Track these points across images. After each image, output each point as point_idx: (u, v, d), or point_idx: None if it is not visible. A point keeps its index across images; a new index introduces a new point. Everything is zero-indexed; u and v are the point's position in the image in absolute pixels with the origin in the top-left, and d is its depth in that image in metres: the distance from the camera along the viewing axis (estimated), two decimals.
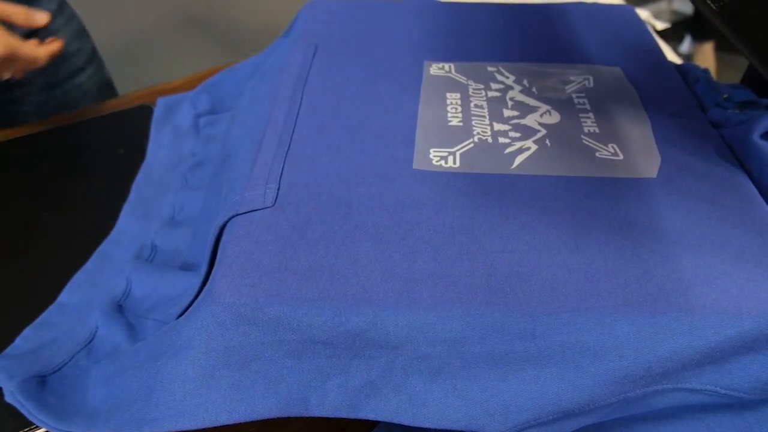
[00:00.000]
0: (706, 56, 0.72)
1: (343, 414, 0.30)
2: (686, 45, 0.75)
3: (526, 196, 0.36)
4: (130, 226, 0.46)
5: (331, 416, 0.29)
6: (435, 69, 0.47)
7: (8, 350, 0.38)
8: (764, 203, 0.36)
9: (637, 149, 0.40)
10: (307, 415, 0.29)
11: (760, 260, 0.32)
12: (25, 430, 0.36)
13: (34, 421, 0.33)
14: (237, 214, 0.35)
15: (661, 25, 0.73)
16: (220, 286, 0.30)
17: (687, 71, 0.48)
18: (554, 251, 0.32)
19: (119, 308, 0.39)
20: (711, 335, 0.29)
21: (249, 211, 0.35)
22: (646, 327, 0.29)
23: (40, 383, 0.35)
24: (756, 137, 0.38)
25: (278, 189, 0.36)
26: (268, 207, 0.35)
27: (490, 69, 0.47)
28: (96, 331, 0.38)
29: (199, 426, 0.29)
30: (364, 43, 0.49)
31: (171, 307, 0.37)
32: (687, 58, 0.72)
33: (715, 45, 0.91)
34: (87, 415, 0.32)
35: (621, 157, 0.39)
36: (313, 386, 0.30)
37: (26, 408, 0.33)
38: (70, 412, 0.33)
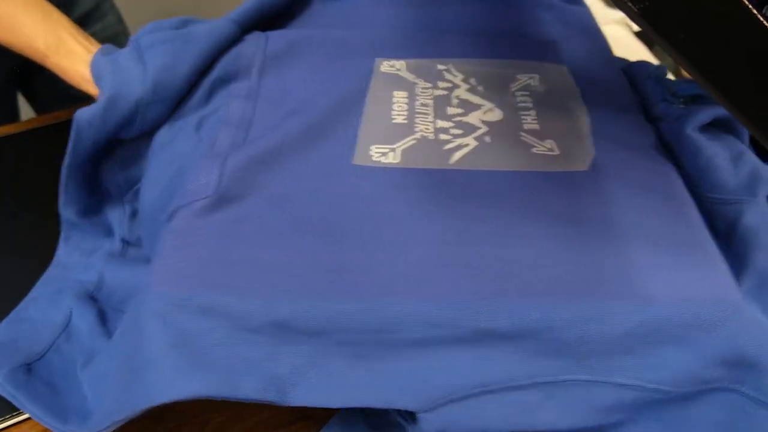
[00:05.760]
0: None
1: (271, 397, 0.31)
2: None
3: (460, 189, 0.37)
4: (105, 218, 0.47)
5: (260, 400, 0.31)
6: (386, 67, 0.47)
7: None
8: (688, 195, 0.37)
9: (572, 144, 0.40)
10: (237, 398, 0.31)
11: (677, 250, 0.33)
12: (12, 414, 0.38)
13: (26, 411, 0.35)
14: (180, 207, 0.36)
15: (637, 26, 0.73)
16: (155, 277, 0.32)
17: (637, 69, 0.48)
18: (480, 242, 0.33)
19: (92, 298, 0.41)
20: (620, 322, 0.30)
21: (192, 202, 0.36)
22: (556, 312, 0.30)
23: (27, 371, 0.37)
24: (689, 130, 0.39)
25: (221, 183, 0.37)
26: (210, 199, 0.36)
27: (440, 67, 0.47)
28: (71, 316, 0.40)
29: (147, 405, 0.30)
30: (318, 38, 0.49)
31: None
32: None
33: (636, 23, 0.91)
34: (81, 415, 0.34)
35: (556, 152, 0.40)
36: (244, 371, 0.31)
37: (17, 399, 0.35)
38: (64, 408, 0.35)
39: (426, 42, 0.50)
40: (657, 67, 0.47)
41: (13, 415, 0.38)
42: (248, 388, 0.31)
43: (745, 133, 0.40)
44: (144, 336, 0.31)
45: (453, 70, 0.47)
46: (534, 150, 0.40)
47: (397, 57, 0.48)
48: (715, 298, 0.31)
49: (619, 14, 0.73)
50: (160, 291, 0.31)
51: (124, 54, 0.44)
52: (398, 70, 0.47)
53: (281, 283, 0.31)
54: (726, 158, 0.38)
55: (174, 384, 0.30)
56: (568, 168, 0.38)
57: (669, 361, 0.30)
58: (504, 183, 0.37)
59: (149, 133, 0.44)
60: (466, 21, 0.52)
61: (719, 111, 0.40)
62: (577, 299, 0.30)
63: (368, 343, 0.31)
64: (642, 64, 0.49)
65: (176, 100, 0.44)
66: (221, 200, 0.36)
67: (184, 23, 0.47)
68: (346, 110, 0.43)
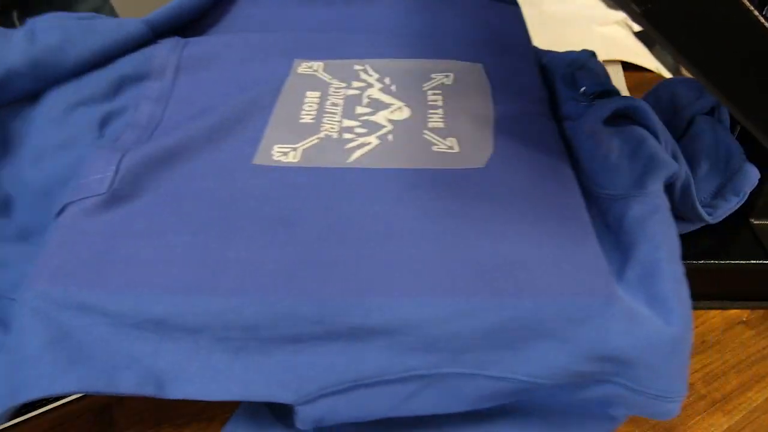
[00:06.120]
0: None
1: (149, 391, 0.32)
2: None
3: (354, 187, 0.37)
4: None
5: (137, 394, 0.31)
6: (303, 68, 0.47)
7: None
8: (578, 192, 0.37)
9: (473, 142, 0.41)
10: (114, 393, 0.31)
11: (555, 246, 0.33)
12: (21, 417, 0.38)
13: None
14: (71, 202, 0.35)
15: (639, 27, 0.73)
16: (35, 274, 0.32)
17: (552, 66, 0.48)
18: (358, 240, 0.34)
19: None
20: (492, 317, 0.30)
21: (84, 198, 0.35)
22: (428, 309, 0.30)
23: None
24: (587, 127, 0.39)
25: (114, 181, 0.36)
26: (102, 197, 0.35)
27: (357, 67, 0.47)
28: None
29: (24, 399, 0.31)
30: (236, 42, 0.48)
31: None
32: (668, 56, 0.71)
33: (640, 24, 0.91)
34: None
35: (456, 149, 0.40)
36: (124, 366, 0.31)
37: None
38: None
39: (346, 42, 0.49)
40: (570, 62, 0.48)
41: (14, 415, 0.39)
42: (127, 383, 0.31)
43: (655, 121, 0.41)
44: (24, 332, 0.31)
45: (369, 69, 0.47)
46: (434, 148, 0.40)
47: (316, 58, 0.48)
48: (587, 293, 0.31)
49: (620, 15, 0.73)
50: (38, 289, 0.31)
51: (17, 31, 0.44)
52: (315, 71, 0.47)
53: (160, 281, 0.32)
54: (623, 153, 0.39)
55: (52, 379, 0.31)
56: (464, 165, 0.39)
57: (543, 355, 0.31)
58: (397, 181, 0.38)
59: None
60: (389, 21, 0.52)
61: (619, 103, 0.40)
62: (450, 295, 0.31)
63: (246, 338, 0.31)
64: (558, 60, 0.49)
65: (58, 82, 0.43)
66: (113, 199, 0.36)
67: (92, 17, 0.47)
68: (258, 111, 0.42)
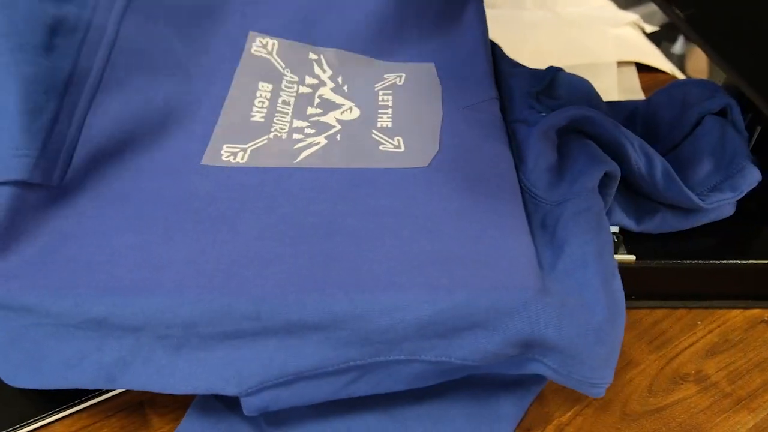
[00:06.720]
0: (699, 56, 0.72)
1: (101, 386, 0.33)
2: (678, 46, 0.75)
3: (297, 187, 0.37)
4: None
5: (89, 387, 0.33)
6: (257, 47, 0.46)
7: None
8: (517, 194, 0.38)
9: (420, 141, 0.42)
10: (68, 387, 0.33)
11: (489, 242, 0.34)
12: (31, 420, 0.38)
13: None
14: (11, 182, 0.33)
15: (650, 28, 0.74)
16: None
17: (518, 75, 0.49)
18: (297, 238, 0.34)
19: None
20: (425, 310, 0.31)
21: (29, 187, 0.34)
22: (363, 304, 0.32)
23: None
24: (537, 136, 0.40)
25: (68, 167, 0.36)
26: (52, 190, 0.35)
27: (312, 56, 0.47)
28: None
29: None
30: (188, 4, 0.46)
31: None
32: (679, 58, 0.72)
33: (681, 29, 0.92)
34: None
35: (402, 149, 0.41)
36: (72, 363, 0.33)
37: None
38: None
39: (307, 21, 0.49)
40: (538, 74, 0.48)
41: (42, 417, 0.39)
42: (80, 378, 0.33)
43: (610, 129, 0.41)
44: None
45: (324, 63, 0.47)
46: (381, 147, 0.41)
47: (272, 33, 0.47)
48: (518, 287, 0.32)
49: (632, 17, 0.73)
50: None
51: None
52: (269, 52, 0.46)
53: (100, 281, 0.32)
54: (566, 162, 0.40)
55: (11, 377, 0.33)
56: (409, 165, 0.40)
57: (475, 343, 0.32)
58: (340, 180, 0.38)
59: None
60: (355, 5, 0.50)
61: (575, 113, 0.41)
62: (383, 290, 0.32)
63: (186, 336, 0.32)
64: (525, 73, 0.49)
65: None
66: (62, 194, 0.36)
67: None
68: (206, 99, 0.42)
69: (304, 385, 0.33)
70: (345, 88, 0.46)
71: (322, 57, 0.47)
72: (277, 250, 0.34)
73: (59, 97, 0.37)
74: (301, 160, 0.40)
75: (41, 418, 0.38)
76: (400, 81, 0.47)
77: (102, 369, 0.33)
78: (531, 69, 0.50)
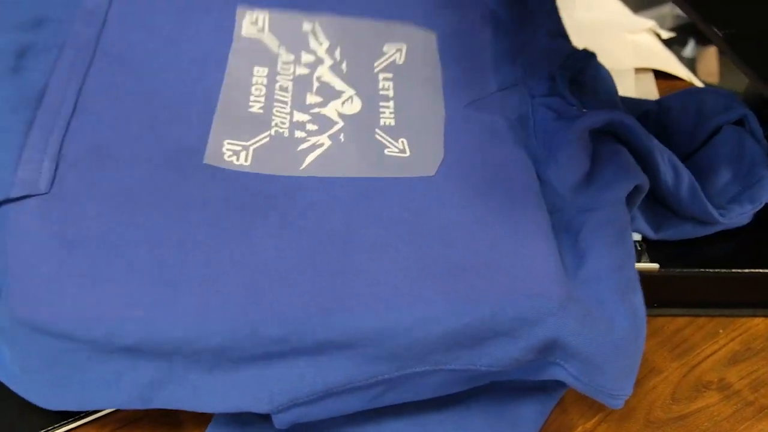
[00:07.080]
0: (710, 60, 0.72)
1: (137, 406, 0.34)
2: (689, 49, 0.75)
3: (307, 200, 0.37)
4: None
5: (125, 407, 0.34)
6: (248, 26, 0.44)
7: None
8: (536, 197, 0.37)
9: (424, 145, 0.40)
10: (104, 408, 0.34)
11: (512, 250, 0.34)
12: (47, 428, 0.38)
13: None
14: (11, 207, 0.33)
15: (666, 34, 0.74)
16: (12, 299, 0.32)
17: (543, 39, 0.46)
18: (314, 256, 0.34)
19: None
20: (451, 323, 0.32)
21: (24, 197, 0.33)
22: (389, 321, 0.32)
23: None
24: (573, 136, 0.39)
25: (56, 170, 0.35)
26: (46, 198, 0.34)
27: (306, 27, 0.45)
28: None
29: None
30: None
31: None
32: (690, 62, 0.72)
33: (720, 49, 0.92)
34: None
35: (407, 154, 0.40)
36: (110, 383, 0.33)
37: None
38: None
39: None
40: (569, 64, 0.45)
41: (68, 421, 0.39)
42: (115, 398, 0.33)
43: (642, 136, 0.40)
44: (17, 351, 0.33)
45: (320, 33, 0.45)
46: (387, 151, 0.40)
47: (261, 5, 0.45)
48: (541, 294, 0.33)
49: (648, 23, 0.74)
50: (21, 317, 0.32)
51: None
52: (261, 30, 0.44)
53: (125, 306, 0.32)
54: (596, 168, 0.39)
55: (50, 400, 0.33)
56: (416, 173, 0.39)
57: (501, 350, 0.33)
58: (351, 191, 0.37)
59: None
60: None
61: (612, 117, 0.40)
62: (407, 304, 0.32)
63: (216, 359, 0.33)
64: (558, 55, 0.45)
65: None
66: (58, 198, 0.34)
67: None
68: (202, 81, 0.40)
69: (333, 400, 0.34)
70: (343, 66, 0.44)
71: (317, 25, 0.45)
72: (296, 267, 0.34)
73: (31, 110, 0.36)
74: (307, 166, 0.39)
75: (72, 421, 0.38)
76: (399, 58, 0.45)
77: (138, 389, 0.33)
78: (569, 45, 0.48)
